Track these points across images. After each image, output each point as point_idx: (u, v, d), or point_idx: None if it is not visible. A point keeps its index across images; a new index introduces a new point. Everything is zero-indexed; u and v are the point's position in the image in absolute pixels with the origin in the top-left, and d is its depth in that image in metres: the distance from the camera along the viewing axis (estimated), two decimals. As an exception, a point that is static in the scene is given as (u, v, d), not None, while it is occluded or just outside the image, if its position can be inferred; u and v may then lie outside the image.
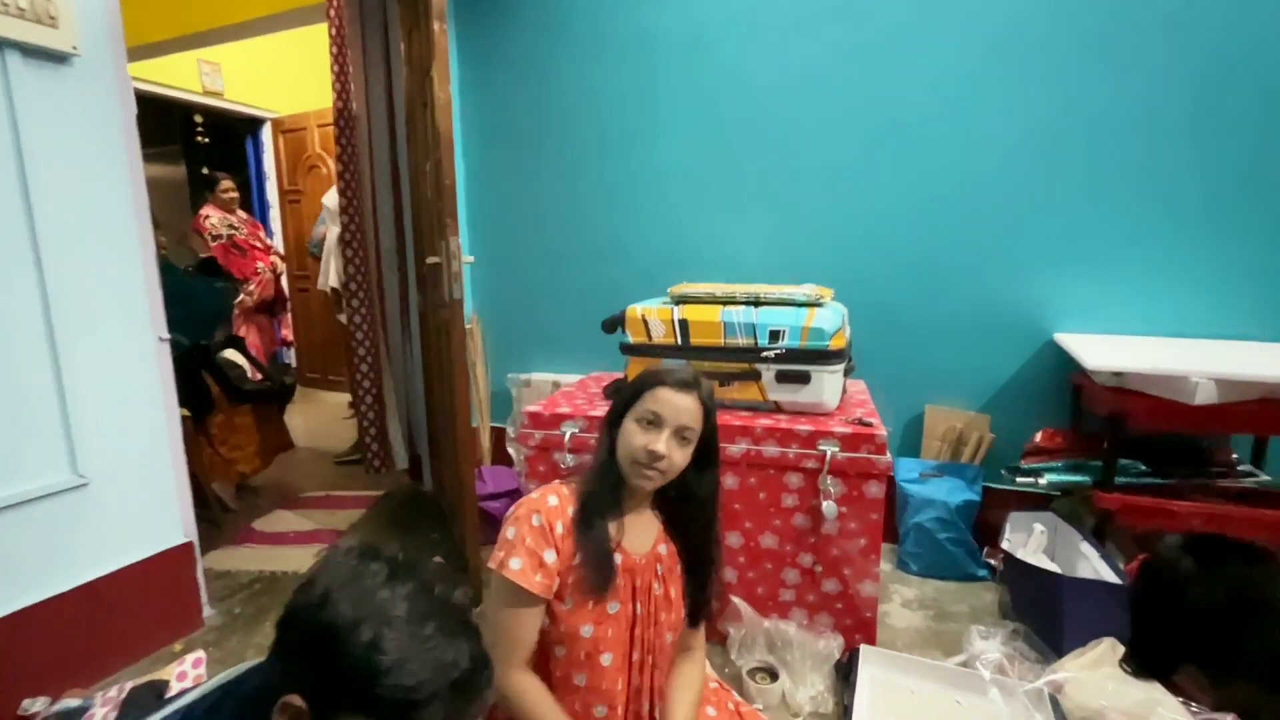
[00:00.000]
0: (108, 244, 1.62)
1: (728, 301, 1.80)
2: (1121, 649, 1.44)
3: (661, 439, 0.95)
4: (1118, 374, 1.68)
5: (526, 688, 0.95)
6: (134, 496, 1.69)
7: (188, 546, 1.82)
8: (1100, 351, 1.74)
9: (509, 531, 0.96)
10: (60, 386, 1.52)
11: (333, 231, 3.15)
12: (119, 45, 1.62)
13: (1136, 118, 1.93)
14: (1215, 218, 1.91)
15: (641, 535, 1.04)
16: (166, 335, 1.77)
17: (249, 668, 0.72)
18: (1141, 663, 0.89)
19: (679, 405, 0.97)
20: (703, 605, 1.08)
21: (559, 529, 0.95)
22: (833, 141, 2.23)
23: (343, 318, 2.99)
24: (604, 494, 1.00)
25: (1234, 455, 1.85)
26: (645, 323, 1.82)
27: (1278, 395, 1.54)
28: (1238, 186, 1.87)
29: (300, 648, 0.61)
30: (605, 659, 0.98)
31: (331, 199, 3.11)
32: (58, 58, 1.47)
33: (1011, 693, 1.40)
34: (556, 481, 1.03)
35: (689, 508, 1.05)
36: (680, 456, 0.98)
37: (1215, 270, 1.93)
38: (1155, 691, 1.34)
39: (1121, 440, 1.71)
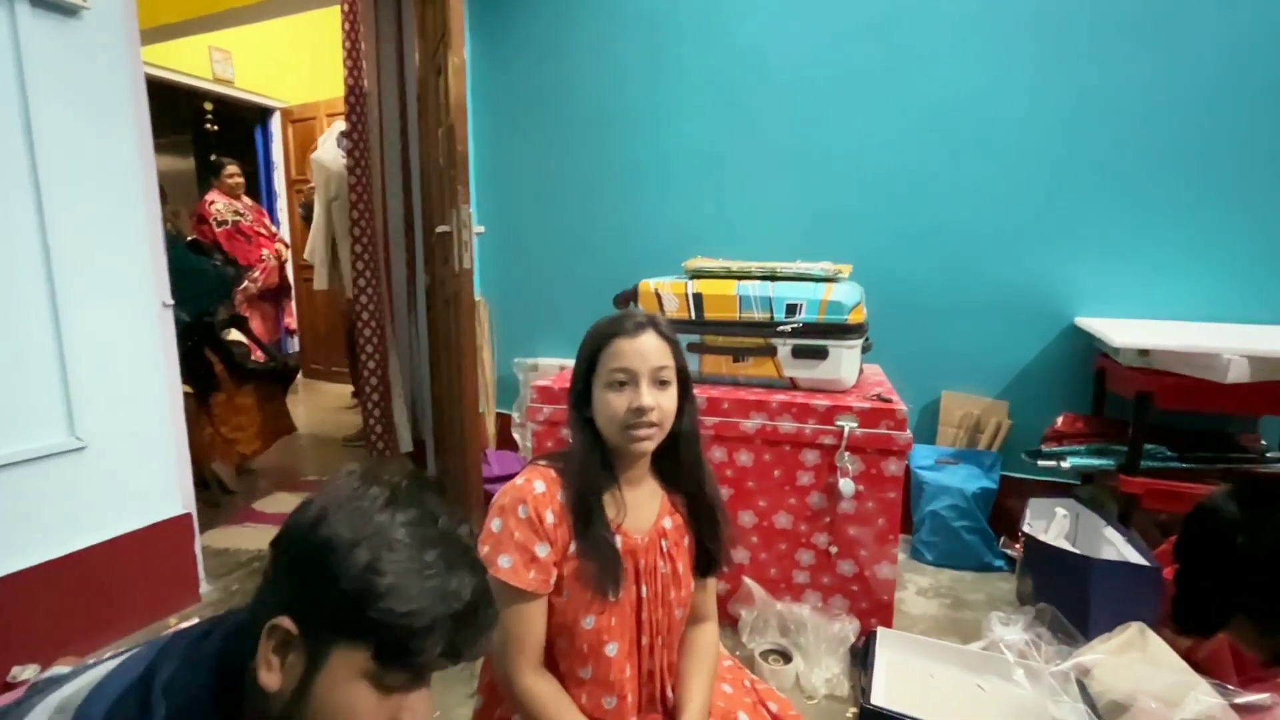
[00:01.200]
0: (112, 206, 1.59)
1: (743, 276, 1.76)
2: (1150, 634, 1.39)
3: (643, 392, 0.86)
4: (1144, 353, 1.63)
5: (541, 691, 0.87)
6: (132, 463, 1.65)
7: (186, 519, 1.78)
8: (1126, 332, 1.69)
9: (494, 524, 0.86)
10: (60, 347, 1.48)
11: (319, 202, 3.09)
12: (130, 4, 1.60)
13: (1161, 97, 1.89)
14: (1241, 199, 1.87)
15: (643, 511, 0.95)
16: (170, 301, 1.74)
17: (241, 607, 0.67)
18: (1187, 621, 0.84)
19: (642, 349, 0.87)
20: (714, 553, 0.98)
21: (549, 518, 0.86)
22: (850, 121, 2.20)
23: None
24: (597, 475, 0.90)
25: (1261, 440, 1.80)
26: (659, 297, 1.79)
27: (1311, 375, 1.50)
28: (1265, 167, 1.83)
29: (293, 567, 0.57)
30: (610, 649, 0.90)
31: (327, 152, 3.03)
32: (67, 10, 1.44)
33: (1037, 676, 1.35)
34: (540, 462, 0.92)
35: (674, 450, 0.95)
36: (668, 400, 0.89)
37: (1241, 253, 1.88)
38: (1188, 675, 1.29)
39: (1147, 422, 1.66)
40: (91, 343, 1.54)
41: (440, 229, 1.77)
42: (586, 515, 0.88)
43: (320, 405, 4.24)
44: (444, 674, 1.51)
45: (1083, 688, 1.32)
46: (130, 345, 1.64)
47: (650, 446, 0.90)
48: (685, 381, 0.94)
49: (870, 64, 2.15)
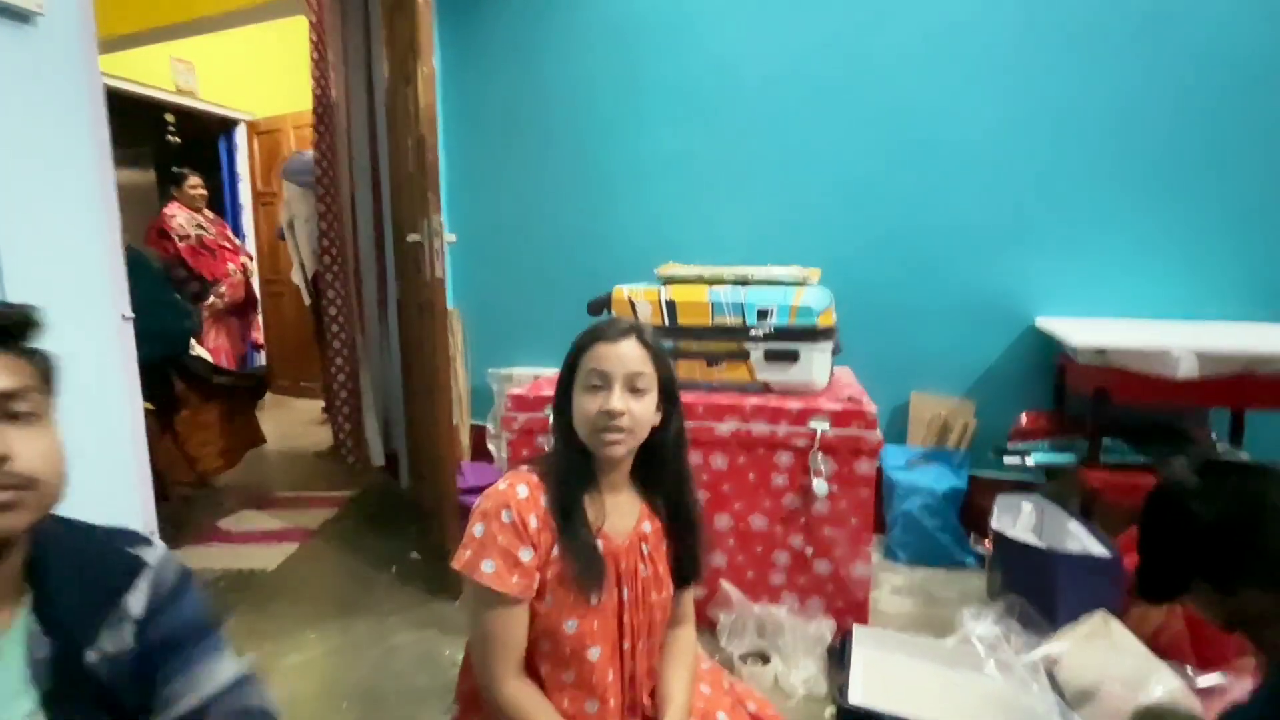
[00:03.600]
0: (69, 216, 1.54)
1: (716, 281, 1.78)
2: (1114, 621, 1.44)
3: (614, 395, 0.87)
4: (1101, 352, 1.69)
5: (524, 698, 0.86)
6: (89, 483, 1.58)
7: (148, 538, 1.71)
8: (1084, 331, 1.76)
9: (476, 529, 0.86)
10: (13, 361, 1.42)
11: (290, 214, 3.04)
12: (86, 10, 1.56)
13: (1112, 105, 1.97)
14: (1188, 202, 1.96)
15: (623, 514, 0.96)
16: (130, 314, 1.69)
17: None
18: (1149, 590, 0.87)
19: (621, 354, 0.88)
20: (691, 562, 0.99)
21: (533, 523, 0.86)
22: (818, 128, 2.25)
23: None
24: (576, 479, 0.91)
25: (1212, 433, 1.88)
26: (632, 304, 1.80)
27: (1255, 369, 1.57)
28: (1209, 171, 1.92)
29: None
30: (592, 653, 0.90)
31: (299, 163, 2.97)
32: (19, 15, 1.41)
33: (1008, 668, 1.38)
34: (522, 468, 0.93)
35: (656, 459, 0.96)
36: (640, 408, 0.89)
37: (1190, 253, 1.97)
38: (1150, 660, 1.34)
39: (1106, 418, 1.72)
40: (47, 357, 1.49)
41: (411, 238, 1.76)
42: (569, 517, 0.88)
43: (289, 420, 4.14)
44: (419, 688, 1.51)
45: (1052, 677, 1.35)
46: (87, 359, 1.58)
47: (620, 452, 0.89)
48: (670, 392, 0.94)
49: (836, 73, 2.21)
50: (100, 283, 1.62)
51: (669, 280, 1.84)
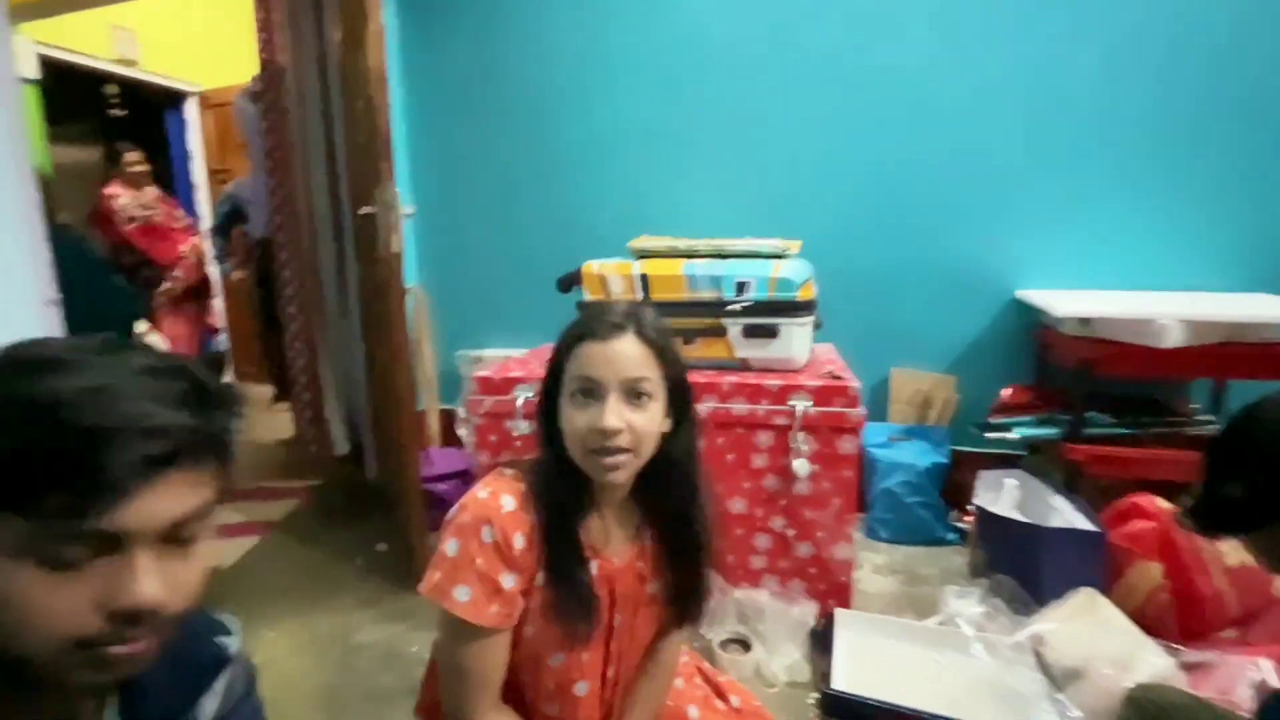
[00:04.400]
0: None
1: (691, 255, 1.69)
2: (1100, 598, 1.41)
3: (608, 408, 0.70)
4: (1085, 323, 1.66)
5: None
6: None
7: (86, 538, 1.60)
8: (1067, 301, 1.71)
9: (450, 546, 0.72)
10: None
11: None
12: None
13: (1094, 74, 1.92)
14: (1168, 172, 1.92)
15: (622, 531, 0.82)
16: (56, 297, 1.55)
17: None
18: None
19: (614, 355, 0.72)
20: (693, 602, 0.84)
21: (518, 542, 0.72)
22: (793, 97, 2.16)
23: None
24: (569, 504, 0.76)
25: (1192, 404, 1.86)
26: (603, 280, 1.70)
27: (1239, 336, 1.54)
28: (1189, 142, 1.89)
29: None
30: (580, 689, 0.79)
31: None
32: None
33: (994, 648, 1.34)
34: (506, 472, 0.79)
35: (664, 477, 0.79)
36: (644, 420, 0.72)
37: (1171, 224, 1.94)
38: (1137, 638, 1.31)
39: (1089, 391, 1.69)
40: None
41: (364, 210, 1.64)
42: (561, 547, 0.75)
43: (253, 409, 3.98)
44: (383, 688, 1.42)
45: (1039, 657, 1.32)
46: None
47: (622, 477, 0.74)
48: (682, 392, 0.77)
49: (813, 38, 2.11)
50: (20, 264, 1.48)
51: (642, 254, 1.74)
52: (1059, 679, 1.28)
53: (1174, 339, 1.49)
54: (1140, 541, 1.44)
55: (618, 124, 2.34)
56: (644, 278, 1.66)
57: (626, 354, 0.72)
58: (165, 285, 3.68)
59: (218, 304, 4.30)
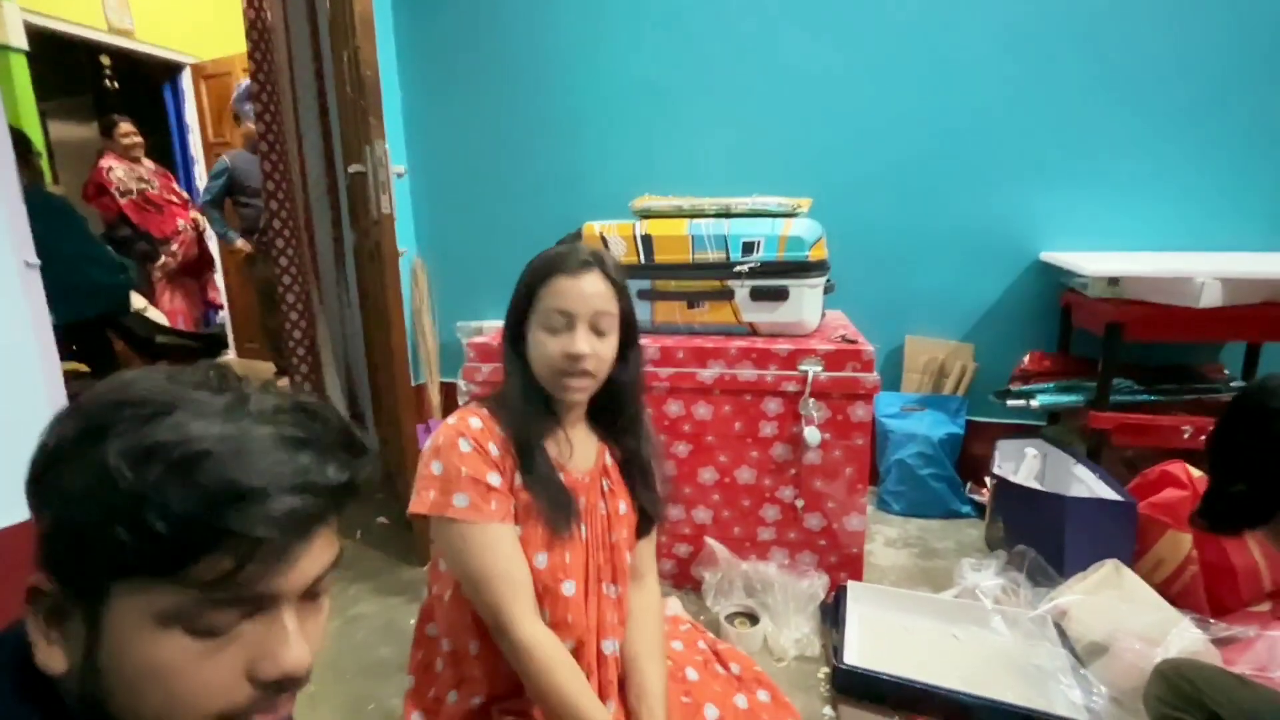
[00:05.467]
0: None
1: (696, 214, 1.61)
2: (1126, 570, 1.34)
3: (579, 337, 0.79)
4: (1113, 283, 1.56)
5: (547, 646, 0.76)
6: (2, 452, 1.42)
7: (77, 509, 1.56)
8: (1096, 261, 1.62)
9: (434, 466, 0.77)
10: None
11: None
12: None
13: (1118, 23, 1.79)
14: (1201, 127, 1.80)
15: (585, 449, 0.90)
16: (35, 260, 1.49)
17: None
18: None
19: (585, 291, 0.80)
20: (649, 509, 0.93)
21: (494, 450, 0.79)
22: (802, 48, 2.05)
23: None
24: (536, 417, 0.83)
25: (1224, 370, 1.77)
26: (604, 240, 1.62)
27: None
28: (1223, 94, 1.77)
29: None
30: (567, 588, 0.81)
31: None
32: None
33: (1014, 622, 1.28)
34: (470, 404, 0.86)
35: (613, 402, 0.89)
36: (606, 349, 0.82)
37: (1202, 181, 1.83)
38: (1168, 611, 1.25)
39: (1117, 356, 1.60)
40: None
41: (353, 169, 1.57)
42: (527, 450, 0.82)
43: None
44: (380, 661, 1.39)
45: (1061, 630, 1.26)
46: (-14, 311, 1.40)
47: (582, 397, 0.84)
48: (630, 330, 0.87)
49: (825, -13, 1.99)
50: (-6, 224, 1.41)
51: (645, 214, 1.66)
52: (1083, 653, 1.21)
53: (1211, 299, 1.40)
54: (1171, 511, 1.37)
55: (620, 78, 2.24)
56: (647, 238, 1.58)
57: (595, 289, 0.81)
58: (162, 260, 3.64)
59: (218, 279, 4.26)
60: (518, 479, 0.80)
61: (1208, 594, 1.34)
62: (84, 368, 2.11)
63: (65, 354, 1.99)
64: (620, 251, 1.60)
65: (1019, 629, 1.26)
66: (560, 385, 0.81)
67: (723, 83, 2.14)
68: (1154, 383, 1.70)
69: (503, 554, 0.76)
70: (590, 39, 2.24)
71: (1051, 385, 1.76)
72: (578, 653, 0.82)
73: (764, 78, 2.10)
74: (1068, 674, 1.17)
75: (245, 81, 2.73)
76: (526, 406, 0.83)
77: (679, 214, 1.63)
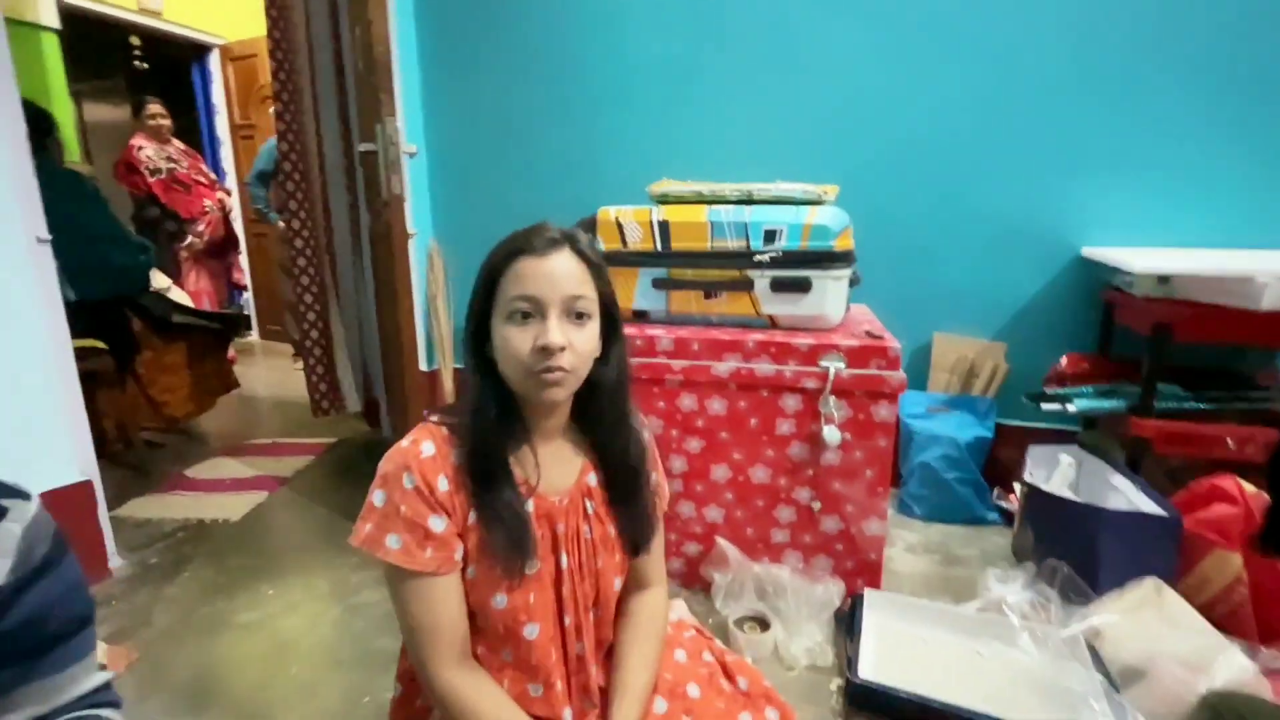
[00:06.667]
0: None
1: (716, 200, 1.54)
2: (1167, 590, 1.25)
3: (551, 326, 0.68)
4: (1163, 281, 1.46)
5: (463, 690, 0.70)
6: (9, 424, 1.42)
7: (85, 486, 1.56)
8: (1145, 258, 1.51)
9: (376, 496, 0.70)
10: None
11: None
12: None
13: (1172, 7, 1.66)
14: (1264, 112, 1.67)
15: (561, 468, 0.79)
16: (46, 235, 1.49)
17: None
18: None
19: (555, 271, 0.69)
20: (642, 527, 0.82)
21: (442, 485, 0.70)
22: (831, 29, 1.95)
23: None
24: (497, 429, 0.73)
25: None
26: (619, 227, 1.56)
27: (1352, 300, 1.33)
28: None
29: None
30: (529, 631, 0.74)
31: None
32: None
33: (1043, 640, 1.20)
34: (431, 418, 0.76)
35: (596, 402, 0.78)
36: (584, 339, 0.71)
37: (1263, 173, 1.70)
38: (1213, 637, 1.16)
39: (1164, 360, 1.49)
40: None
41: (363, 147, 1.52)
42: (485, 477, 0.72)
43: (278, 366, 3.99)
44: (377, 652, 1.36)
45: (1095, 652, 1.17)
46: (-2, 284, 1.39)
47: (561, 395, 0.72)
48: (612, 315, 0.77)
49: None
50: (6, 202, 1.41)
51: (662, 199, 1.60)
52: (1118, 678, 1.13)
53: (1274, 300, 1.29)
54: (1220, 528, 1.27)
55: (642, 58, 2.16)
56: (663, 225, 1.52)
57: (566, 270, 0.70)
58: (188, 240, 3.67)
59: (243, 260, 4.30)
60: (472, 516, 0.72)
61: (1258, 619, 1.24)
62: (100, 344, 2.11)
63: (82, 330, 2.00)
64: (637, 238, 1.54)
65: (1048, 648, 1.18)
66: (535, 384, 0.70)
67: (747, 63, 2.05)
68: (1202, 388, 1.58)
69: (430, 607, 0.70)
70: (611, 19, 2.17)
71: (1090, 389, 1.66)
72: (548, 696, 0.76)
73: (789, 58, 2.01)
74: (1100, 699, 1.09)
75: None
76: (485, 418, 0.72)
77: (698, 200, 1.56)
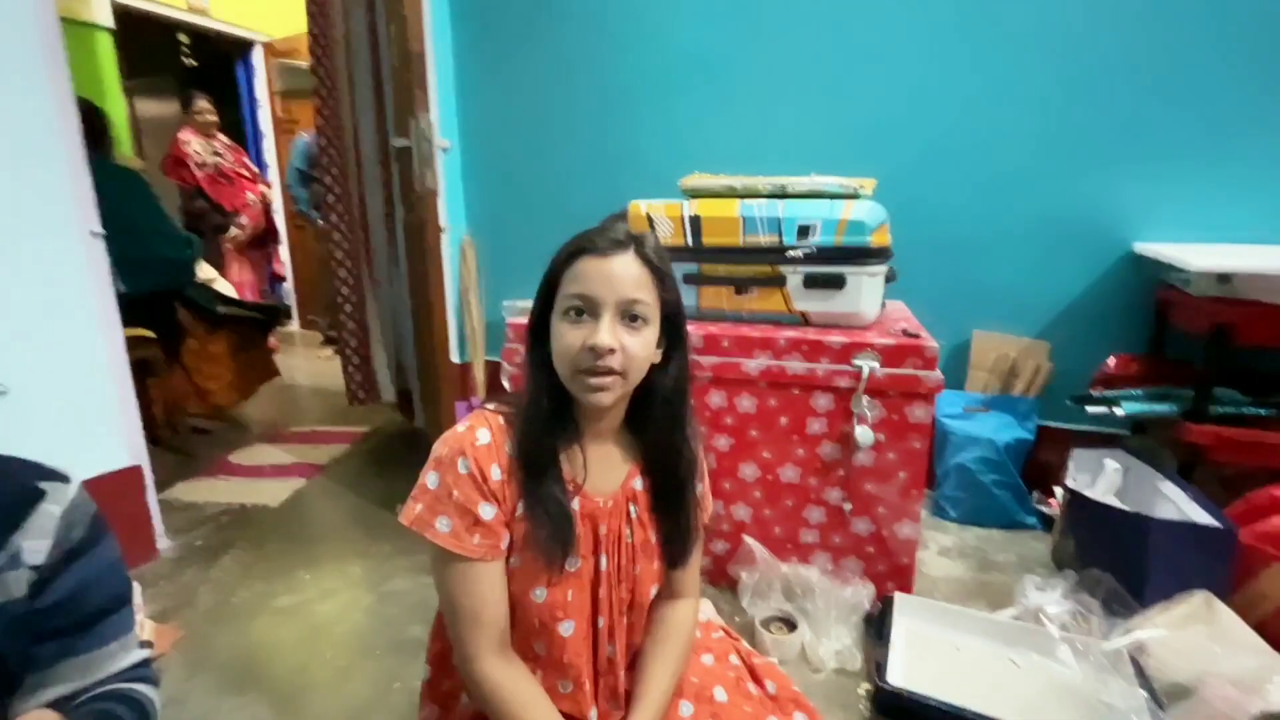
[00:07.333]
0: (20, 127, 1.39)
1: (748, 194, 1.51)
2: (1219, 605, 1.19)
3: (602, 327, 0.68)
4: (1224, 280, 1.38)
5: (503, 681, 0.71)
6: (66, 411, 1.49)
7: (135, 471, 1.63)
8: (1204, 255, 1.43)
9: (429, 478, 0.71)
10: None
11: None
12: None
13: None
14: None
15: (609, 470, 0.79)
16: (100, 230, 1.55)
17: None
18: None
19: (614, 273, 0.69)
20: (682, 541, 0.81)
21: (495, 474, 0.70)
22: (868, 18, 1.90)
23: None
24: (549, 425, 0.73)
25: (1352, 384, 1.56)
26: (650, 221, 1.55)
27: None
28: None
29: None
30: (564, 628, 0.75)
31: None
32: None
33: (1083, 653, 1.16)
34: (488, 406, 0.77)
35: (649, 410, 0.77)
36: (637, 344, 0.70)
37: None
38: (1267, 655, 1.10)
39: (1221, 362, 1.42)
40: (6, 277, 1.37)
41: (398, 142, 1.54)
42: (536, 471, 0.73)
43: (317, 356, 4.09)
44: (410, 640, 1.39)
45: (1139, 667, 1.13)
46: (52, 279, 1.46)
47: (607, 399, 0.71)
48: (677, 324, 0.75)
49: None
50: (63, 198, 1.47)
51: (694, 193, 1.58)
52: (1163, 695, 1.09)
53: (1345, 300, 1.21)
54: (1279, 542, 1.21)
55: (675, 51, 2.14)
56: (695, 219, 1.50)
57: (625, 272, 0.70)
58: (232, 232, 3.78)
59: (283, 252, 4.41)
60: (520, 507, 0.72)
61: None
62: (149, 334, 2.20)
63: (132, 320, 2.08)
64: (667, 232, 1.53)
65: (1089, 661, 1.14)
66: (581, 384, 0.70)
67: (781, 54, 2.01)
68: (1264, 393, 1.50)
69: (473, 591, 0.70)
70: (645, 11, 2.15)
71: (1140, 391, 1.59)
72: (576, 695, 0.77)
73: (825, 48, 1.96)
74: (1144, 716, 1.05)
75: None
76: (540, 413, 0.73)
77: (730, 194, 1.53)
